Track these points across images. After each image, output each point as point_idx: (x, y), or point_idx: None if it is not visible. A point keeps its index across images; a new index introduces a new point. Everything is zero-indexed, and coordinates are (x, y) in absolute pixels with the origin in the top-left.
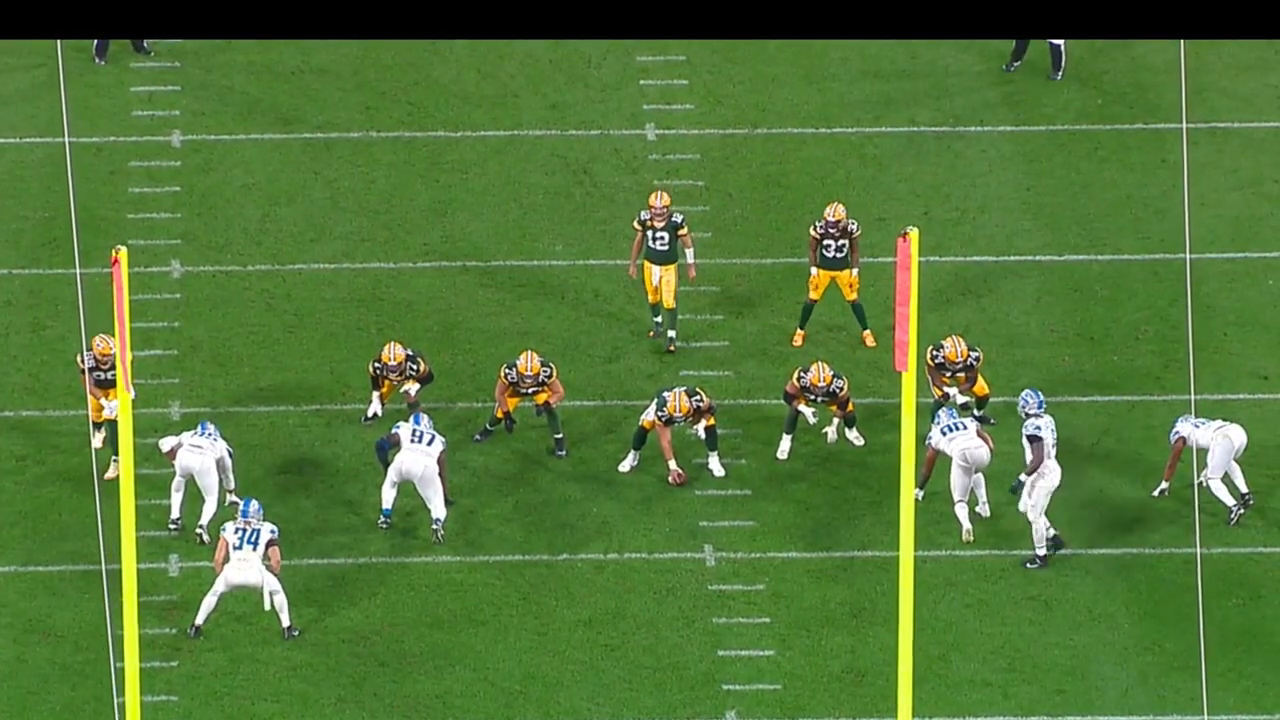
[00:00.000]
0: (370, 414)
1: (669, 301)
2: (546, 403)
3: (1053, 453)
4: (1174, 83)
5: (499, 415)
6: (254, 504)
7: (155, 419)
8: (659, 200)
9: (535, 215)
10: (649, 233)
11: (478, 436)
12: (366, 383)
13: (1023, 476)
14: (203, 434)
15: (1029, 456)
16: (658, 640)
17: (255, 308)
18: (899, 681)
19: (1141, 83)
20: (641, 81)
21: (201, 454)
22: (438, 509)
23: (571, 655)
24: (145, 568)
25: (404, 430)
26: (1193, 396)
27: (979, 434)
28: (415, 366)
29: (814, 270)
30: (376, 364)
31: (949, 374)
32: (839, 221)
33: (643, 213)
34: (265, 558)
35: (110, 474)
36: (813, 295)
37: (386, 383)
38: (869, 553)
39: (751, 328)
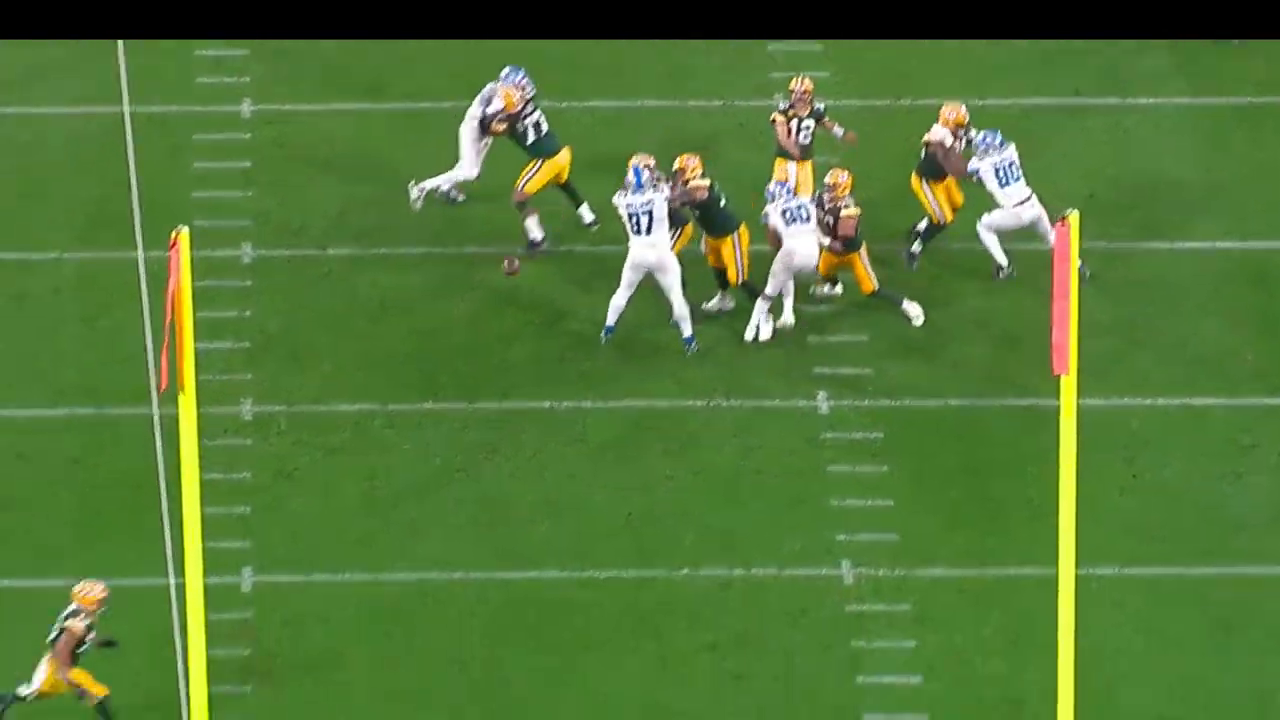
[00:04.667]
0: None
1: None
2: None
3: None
4: None
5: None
6: None
7: (225, 418)
8: (800, 84)
9: None
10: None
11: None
12: (456, 379)
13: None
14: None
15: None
16: (790, 667)
17: (337, 296)
18: (1059, 715)
19: None
20: None
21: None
22: (681, 317)
23: (695, 683)
24: (214, 582)
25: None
26: None
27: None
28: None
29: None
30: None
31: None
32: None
33: (780, 100)
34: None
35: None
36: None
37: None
38: (1028, 570)
39: (893, 320)
